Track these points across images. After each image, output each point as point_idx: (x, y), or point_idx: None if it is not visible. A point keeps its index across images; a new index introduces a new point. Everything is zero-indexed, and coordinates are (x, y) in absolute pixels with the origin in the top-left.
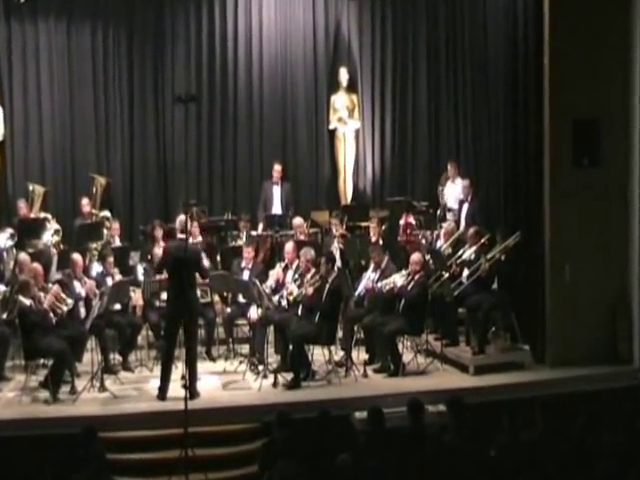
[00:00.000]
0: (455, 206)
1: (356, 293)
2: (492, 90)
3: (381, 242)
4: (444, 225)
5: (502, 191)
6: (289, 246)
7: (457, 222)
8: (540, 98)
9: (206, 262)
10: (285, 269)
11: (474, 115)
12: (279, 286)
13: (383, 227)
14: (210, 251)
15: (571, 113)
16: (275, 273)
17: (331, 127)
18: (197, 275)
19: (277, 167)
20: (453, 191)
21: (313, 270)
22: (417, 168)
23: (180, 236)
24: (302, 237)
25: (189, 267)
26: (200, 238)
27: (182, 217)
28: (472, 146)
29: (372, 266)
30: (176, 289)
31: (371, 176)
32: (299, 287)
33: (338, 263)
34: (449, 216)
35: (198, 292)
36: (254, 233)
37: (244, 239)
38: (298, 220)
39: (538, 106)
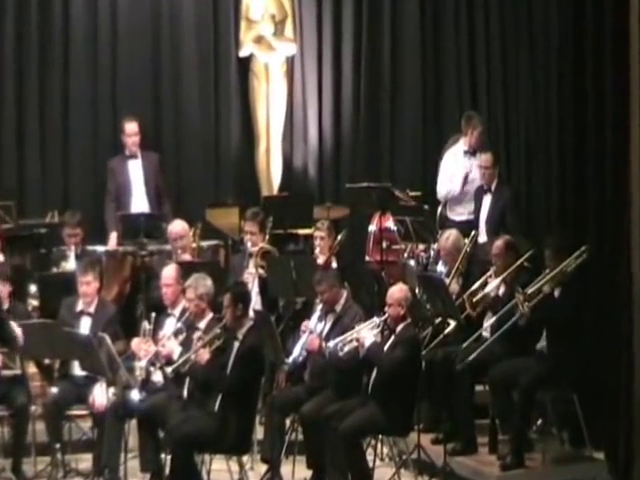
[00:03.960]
0: (448, 189)
1: (290, 359)
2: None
3: (334, 264)
4: (443, 235)
5: (555, 175)
6: (168, 272)
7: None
8: (625, 21)
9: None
10: (156, 322)
11: (504, 40)
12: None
13: (338, 237)
14: (18, 282)
15: None
16: (137, 344)
17: (242, 54)
18: None
19: (130, 126)
20: (459, 168)
21: (209, 316)
22: (400, 130)
23: None
24: (187, 255)
25: None
26: (1, 257)
27: None
28: (502, 94)
29: (319, 308)
30: None
31: (316, 143)
32: (184, 347)
33: (256, 303)
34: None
35: None
36: (101, 249)
37: (73, 260)
38: (179, 225)
39: (621, 39)
